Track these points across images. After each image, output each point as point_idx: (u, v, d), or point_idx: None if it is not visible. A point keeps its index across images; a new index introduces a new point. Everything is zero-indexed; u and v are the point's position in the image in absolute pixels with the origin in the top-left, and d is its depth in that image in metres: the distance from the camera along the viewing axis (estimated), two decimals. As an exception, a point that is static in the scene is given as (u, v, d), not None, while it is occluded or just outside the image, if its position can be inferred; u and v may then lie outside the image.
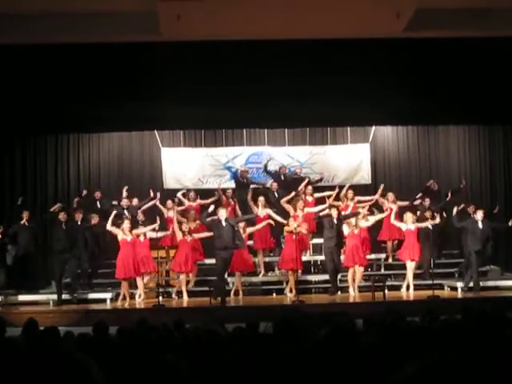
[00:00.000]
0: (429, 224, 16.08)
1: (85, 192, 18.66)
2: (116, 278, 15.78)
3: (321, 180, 19.07)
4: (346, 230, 15.99)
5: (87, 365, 2.42)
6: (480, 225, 15.66)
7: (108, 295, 15.85)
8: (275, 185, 18.12)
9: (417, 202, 17.84)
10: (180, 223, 16.18)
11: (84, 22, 12.16)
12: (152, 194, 17.82)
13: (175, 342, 5.41)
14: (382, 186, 17.99)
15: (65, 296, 15.66)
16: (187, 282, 16.35)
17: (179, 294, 16.10)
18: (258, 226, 16.55)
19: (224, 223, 15.26)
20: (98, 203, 18.22)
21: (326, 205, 16.65)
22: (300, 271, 16.14)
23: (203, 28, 12.19)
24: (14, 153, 19.31)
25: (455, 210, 16.44)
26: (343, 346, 4.51)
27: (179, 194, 18.08)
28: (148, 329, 5.97)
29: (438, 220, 16.22)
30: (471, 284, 15.44)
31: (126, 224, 15.73)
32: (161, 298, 15.39)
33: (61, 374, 2.40)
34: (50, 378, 2.41)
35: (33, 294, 16.28)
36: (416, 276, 16.35)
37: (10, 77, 13.50)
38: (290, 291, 15.92)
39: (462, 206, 17.29)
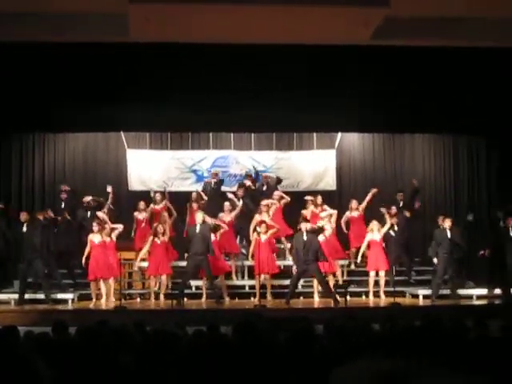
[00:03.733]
0: (391, 231, 16.20)
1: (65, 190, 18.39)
2: (89, 280, 15.66)
3: (280, 182, 18.85)
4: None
5: (33, 363, 2.42)
6: (448, 234, 15.72)
7: (70, 296, 15.71)
8: (241, 192, 18.00)
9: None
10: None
11: (54, 22, 12.10)
12: (109, 189, 17.54)
13: (134, 343, 5.41)
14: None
15: (39, 296, 15.54)
16: (161, 285, 16.18)
17: (141, 296, 15.99)
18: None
19: (198, 228, 15.17)
20: (62, 203, 18.06)
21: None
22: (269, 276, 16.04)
23: (171, 31, 12.20)
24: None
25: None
26: (301, 349, 4.54)
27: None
28: (107, 329, 5.95)
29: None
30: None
31: (94, 226, 15.69)
32: (123, 300, 15.28)
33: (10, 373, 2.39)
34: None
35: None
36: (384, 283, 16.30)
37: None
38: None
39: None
